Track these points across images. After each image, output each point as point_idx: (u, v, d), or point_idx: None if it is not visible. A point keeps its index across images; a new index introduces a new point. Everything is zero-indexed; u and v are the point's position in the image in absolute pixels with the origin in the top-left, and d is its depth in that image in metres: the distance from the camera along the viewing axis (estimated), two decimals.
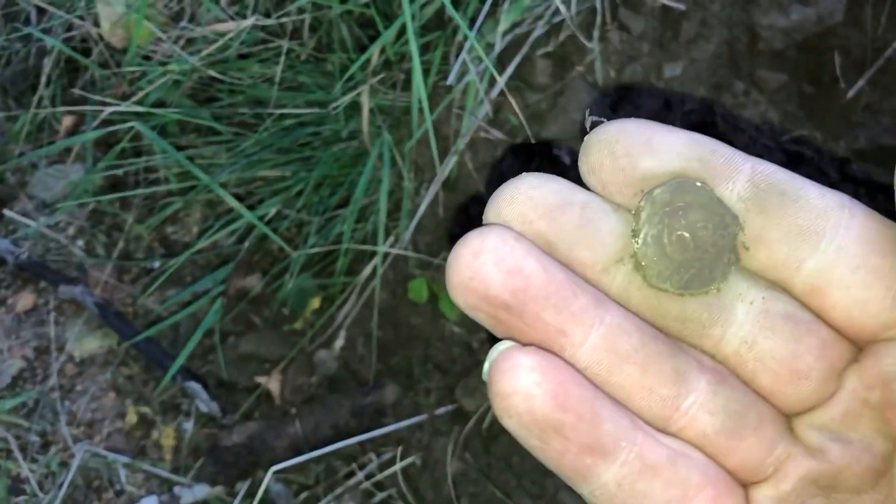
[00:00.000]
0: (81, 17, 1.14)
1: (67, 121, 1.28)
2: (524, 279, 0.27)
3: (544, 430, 0.27)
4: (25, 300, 1.26)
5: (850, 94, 1.03)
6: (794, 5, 1.04)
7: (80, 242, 1.27)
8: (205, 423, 1.17)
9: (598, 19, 1.00)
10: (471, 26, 1.00)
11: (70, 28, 1.18)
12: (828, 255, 0.27)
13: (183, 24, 1.09)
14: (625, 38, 1.03)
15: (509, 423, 0.27)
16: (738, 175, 0.28)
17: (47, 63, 1.18)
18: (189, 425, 1.17)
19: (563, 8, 0.97)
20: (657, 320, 0.29)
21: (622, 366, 0.28)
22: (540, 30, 1.03)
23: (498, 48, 1.01)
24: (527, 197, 0.27)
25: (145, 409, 1.21)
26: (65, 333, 1.25)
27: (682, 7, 1.02)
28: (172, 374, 1.15)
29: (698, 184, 0.28)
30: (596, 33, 1.00)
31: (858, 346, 0.29)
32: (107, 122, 1.10)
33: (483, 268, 0.27)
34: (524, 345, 0.27)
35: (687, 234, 0.28)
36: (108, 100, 1.05)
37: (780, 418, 0.29)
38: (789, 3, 1.04)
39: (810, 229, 0.27)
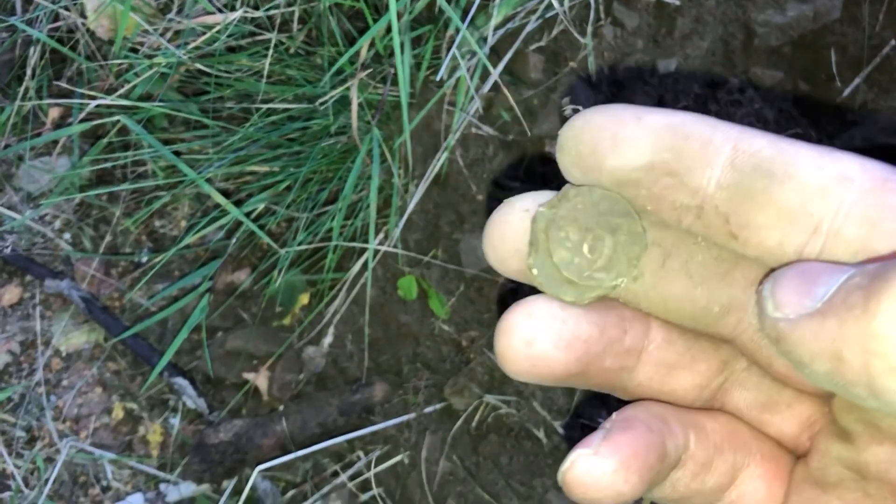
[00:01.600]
0: (67, 8, 1.12)
1: (54, 112, 1.27)
2: (583, 344, 0.27)
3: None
4: (11, 294, 1.25)
5: (846, 92, 1.02)
6: (790, 2, 1.03)
7: (67, 236, 1.26)
8: (192, 420, 1.16)
9: (592, 14, 0.99)
10: (462, 20, 0.99)
11: (56, 18, 1.16)
12: (825, 239, 0.25)
13: (170, 16, 1.07)
14: (619, 34, 1.02)
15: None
16: (716, 160, 0.25)
17: (33, 54, 1.17)
18: (176, 421, 1.16)
19: (556, 2, 0.96)
20: (670, 317, 0.28)
21: (674, 373, 0.29)
22: (533, 24, 1.01)
23: (490, 42, 1.00)
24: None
25: (132, 405, 1.20)
26: (51, 328, 1.23)
27: (676, 3, 1.01)
28: (160, 369, 1.13)
29: (587, 188, 0.26)
30: (589, 28, 0.99)
31: None
32: (93, 115, 1.09)
33: (543, 352, 0.27)
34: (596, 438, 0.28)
35: (567, 247, 0.27)
36: (93, 93, 1.03)
37: (816, 400, 0.29)
38: (786, 0, 1.03)
39: (802, 212, 0.25)
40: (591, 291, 0.27)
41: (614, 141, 0.26)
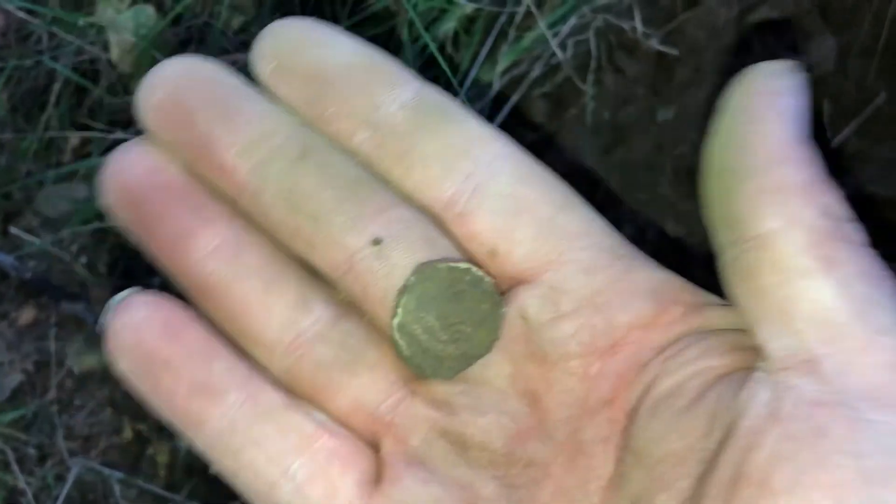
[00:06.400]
0: (92, 43, 1.16)
1: (74, 140, 1.31)
2: (167, 177, 0.28)
3: (153, 365, 0.27)
4: (27, 315, 1.29)
5: (836, 141, 1.06)
6: (785, 54, 1.07)
7: (84, 260, 1.30)
8: None
9: (593, 63, 1.03)
10: (472, 63, 1.03)
11: (80, 52, 1.21)
12: (480, 177, 0.28)
13: (190, 51, 1.12)
14: (620, 81, 1.06)
15: (122, 367, 0.27)
16: (407, 85, 0.28)
17: (56, 86, 1.21)
18: (183, 443, 1.20)
19: (558, 51, 1.00)
20: (291, 216, 0.28)
21: (246, 278, 0.28)
22: (538, 70, 1.06)
23: (496, 88, 1.04)
24: (182, 69, 0.29)
25: (141, 426, 1.23)
26: (65, 349, 1.27)
27: (676, 53, 1.05)
28: None
29: (444, 266, 0.28)
30: (590, 77, 1.03)
31: (504, 287, 0.29)
32: (115, 144, 1.13)
33: (130, 163, 0.28)
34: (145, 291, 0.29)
35: (437, 324, 0.28)
36: (112, 129, 1.07)
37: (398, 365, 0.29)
38: (781, 52, 1.07)
39: (466, 151, 0.28)
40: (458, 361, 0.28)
41: (319, 38, 0.28)
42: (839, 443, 0.21)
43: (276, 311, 0.28)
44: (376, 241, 0.27)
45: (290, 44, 0.28)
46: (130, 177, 0.28)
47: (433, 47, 0.88)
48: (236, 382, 0.28)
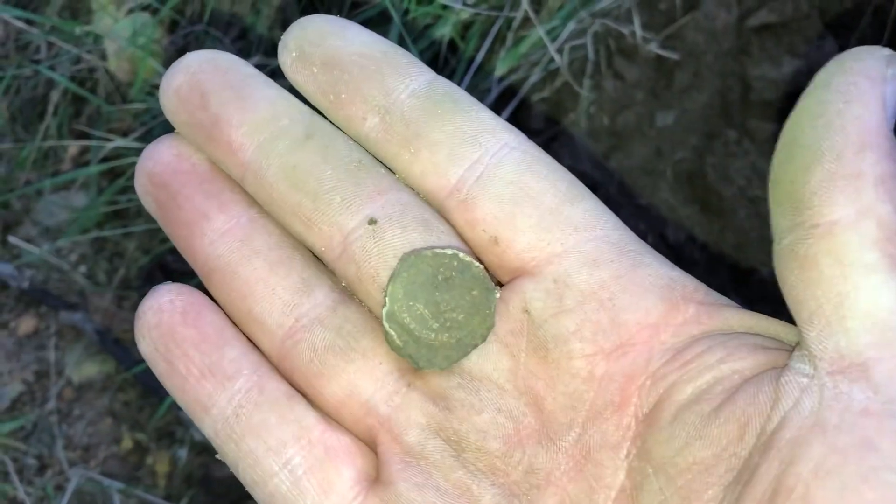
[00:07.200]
0: (90, 51, 1.16)
1: (73, 148, 1.31)
2: (190, 165, 0.29)
3: (169, 346, 0.28)
4: (27, 325, 1.28)
5: None
6: (785, 57, 1.06)
7: (83, 269, 1.29)
8: (199, 452, 1.18)
9: (590, 68, 1.02)
10: (468, 68, 1.03)
11: (78, 61, 1.21)
12: (486, 165, 0.28)
13: None
14: (619, 86, 1.05)
15: (143, 347, 0.28)
16: (418, 77, 0.29)
17: (55, 95, 1.21)
18: (183, 453, 1.19)
19: (557, 56, 0.99)
20: (291, 193, 0.29)
21: (252, 259, 0.29)
22: (536, 76, 1.05)
23: (494, 93, 1.03)
24: (203, 58, 0.30)
25: (141, 436, 1.22)
26: (64, 358, 1.27)
27: (676, 57, 1.04)
28: (169, 402, 1.16)
29: (429, 252, 0.27)
30: (588, 81, 1.02)
31: (506, 277, 0.28)
32: (112, 155, 1.13)
33: (158, 152, 0.30)
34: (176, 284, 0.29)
35: (427, 312, 0.27)
36: (111, 136, 1.07)
37: (394, 357, 0.28)
38: (781, 55, 1.06)
39: (474, 138, 0.28)
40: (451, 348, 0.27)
41: (342, 31, 0.29)
42: (888, 458, 0.20)
43: (279, 294, 0.28)
44: (372, 222, 0.28)
45: (310, 36, 0.29)
46: (156, 165, 0.30)
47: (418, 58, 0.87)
48: (245, 370, 0.28)
